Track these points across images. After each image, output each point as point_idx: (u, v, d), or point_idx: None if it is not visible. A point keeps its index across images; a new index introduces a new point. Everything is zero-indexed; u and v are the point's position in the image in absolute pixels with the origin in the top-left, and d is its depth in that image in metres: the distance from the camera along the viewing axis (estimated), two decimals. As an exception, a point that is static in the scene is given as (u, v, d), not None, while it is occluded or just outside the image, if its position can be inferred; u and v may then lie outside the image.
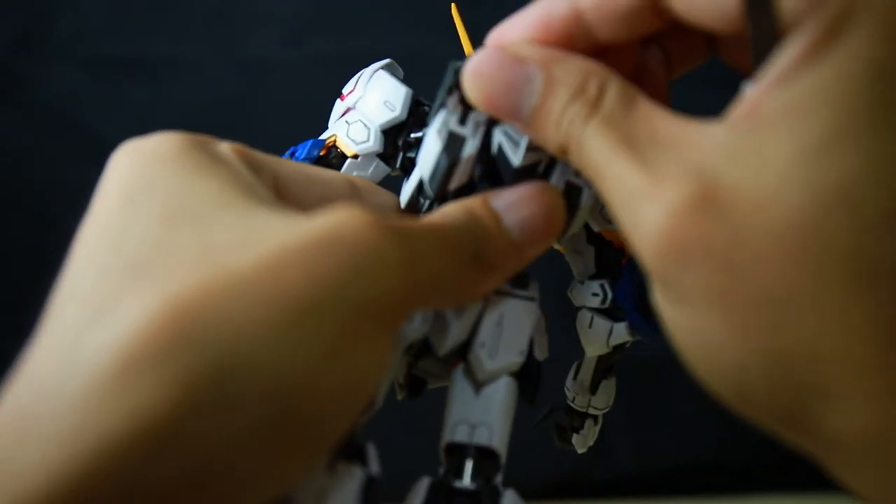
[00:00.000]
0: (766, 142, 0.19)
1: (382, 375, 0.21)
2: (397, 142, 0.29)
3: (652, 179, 0.20)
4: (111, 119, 0.69)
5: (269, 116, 0.66)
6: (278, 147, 0.30)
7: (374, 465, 0.23)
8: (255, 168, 0.22)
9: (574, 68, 0.22)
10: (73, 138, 0.69)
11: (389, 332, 0.20)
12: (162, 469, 0.17)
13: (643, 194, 0.20)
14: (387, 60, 0.31)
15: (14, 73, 0.69)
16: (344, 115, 0.30)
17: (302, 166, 0.25)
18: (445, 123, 0.24)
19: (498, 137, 0.24)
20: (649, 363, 0.73)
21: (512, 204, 0.24)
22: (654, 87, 0.26)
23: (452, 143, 0.24)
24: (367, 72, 0.30)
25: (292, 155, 0.29)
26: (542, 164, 0.25)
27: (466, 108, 0.24)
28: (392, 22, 0.69)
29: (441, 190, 0.24)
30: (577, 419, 0.36)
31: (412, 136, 0.28)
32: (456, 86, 0.24)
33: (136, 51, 0.70)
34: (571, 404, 0.35)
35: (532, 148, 0.24)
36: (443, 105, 0.24)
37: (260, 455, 0.18)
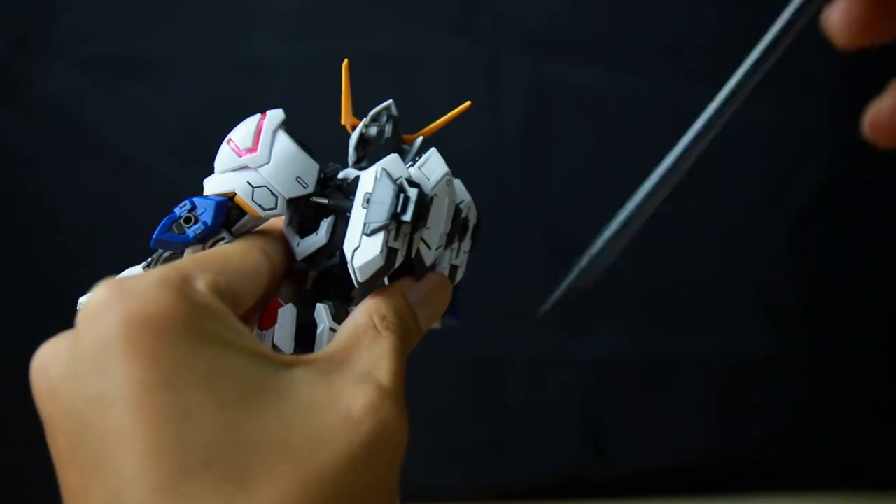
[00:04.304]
0: None
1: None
2: (298, 206, 0.31)
3: None
4: (111, 119, 0.69)
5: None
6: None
7: None
8: (223, 296, 0.25)
9: None
10: (73, 138, 0.69)
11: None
12: None
13: None
14: (279, 116, 0.31)
15: (14, 73, 0.69)
16: (241, 170, 0.30)
17: (236, 261, 0.27)
18: (385, 242, 0.29)
19: (417, 244, 0.30)
20: (647, 364, 0.73)
21: (422, 300, 0.31)
22: None
23: (390, 257, 0.29)
24: (265, 131, 0.30)
25: (192, 209, 0.30)
26: (438, 259, 0.33)
27: (399, 225, 0.29)
28: (392, 22, 0.69)
29: (371, 287, 0.30)
30: None
31: (313, 199, 0.31)
32: (399, 211, 0.29)
33: (136, 51, 0.70)
34: None
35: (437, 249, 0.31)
36: (385, 227, 0.29)
37: None
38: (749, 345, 0.71)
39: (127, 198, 0.69)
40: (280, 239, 0.31)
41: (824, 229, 0.71)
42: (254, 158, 0.30)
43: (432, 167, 0.31)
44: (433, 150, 0.31)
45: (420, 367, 0.69)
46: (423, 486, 0.70)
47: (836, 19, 0.24)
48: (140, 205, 0.67)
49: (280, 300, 0.30)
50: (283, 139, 0.31)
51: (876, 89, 0.25)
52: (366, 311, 0.29)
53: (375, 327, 0.28)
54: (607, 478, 0.71)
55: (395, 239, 0.29)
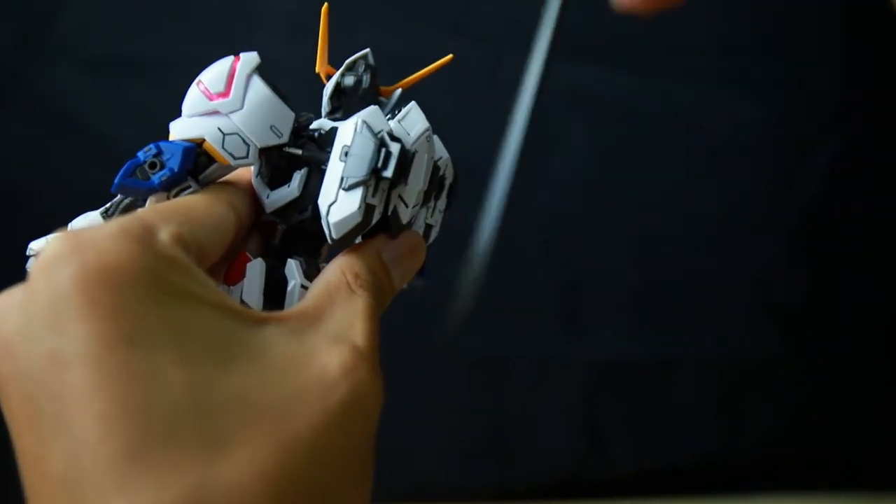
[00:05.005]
0: None
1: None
2: (270, 156, 0.29)
3: None
4: (111, 118, 0.69)
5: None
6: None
7: None
8: (187, 248, 0.23)
9: None
10: (73, 138, 0.69)
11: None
12: None
13: None
14: (254, 59, 0.30)
15: (14, 73, 0.69)
16: (211, 115, 0.29)
17: (199, 211, 0.26)
18: (364, 198, 0.27)
19: (394, 201, 0.29)
20: (647, 364, 0.73)
21: (396, 258, 0.29)
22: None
23: (367, 214, 0.28)
24: (239, 75, 0.29)
25: (158, 154, 0.28)
26: (413, 218, 0.31)
27: (378, 181, 0.28)
28: (392, 22, 0.69)
29: (345, 244, 0.28)
30: None
31: (286, 149, 0.29)
32: (380, 166, 0.27)
33: (136, 51, 0.70)
34: None
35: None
36: (364, 183, 0.27)
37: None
38: (749, 345, 0.71)
39: (127, 198, 0.69)
40: (247, 190, 0.29)
41: (824, 229, 0.71)
42: (225, 104, 0.29)
43: (413, 121, 0.29)
44: (413, 103, 0.30)
45: (420, 366, 0.69)
46: (423, 486, 0.70)
47: None
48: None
49: (248, 255, 0.29)
50: (258, 84, 0.29)
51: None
52: (339, 269, 0.27)
53: (349, 285, 0.27)
54: (607, 478, 0.71)
55: (374, 195, 0.28)
